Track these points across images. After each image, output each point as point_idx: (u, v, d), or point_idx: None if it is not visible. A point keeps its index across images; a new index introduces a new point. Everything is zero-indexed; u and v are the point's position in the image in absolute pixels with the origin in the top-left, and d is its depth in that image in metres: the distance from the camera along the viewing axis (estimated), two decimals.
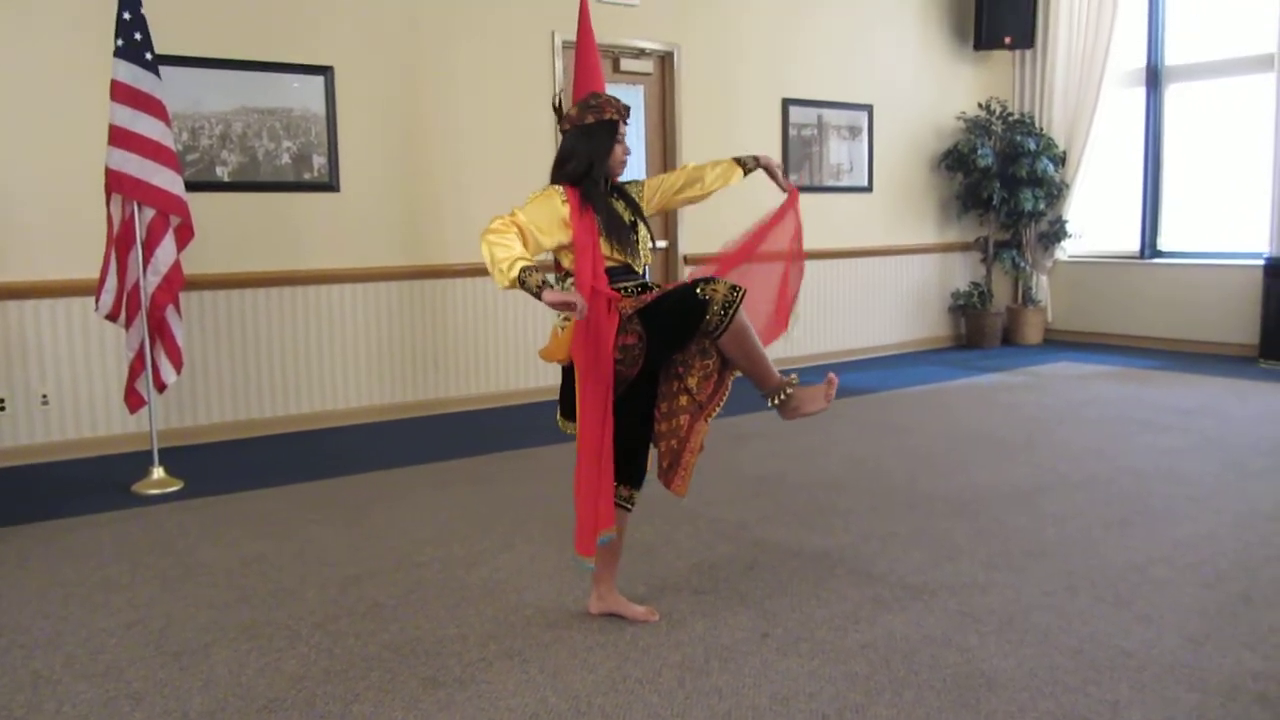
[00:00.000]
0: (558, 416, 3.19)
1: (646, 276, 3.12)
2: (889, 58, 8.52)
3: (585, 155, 2.99)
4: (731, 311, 2.84)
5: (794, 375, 3.09)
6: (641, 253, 3.07)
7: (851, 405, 6.43)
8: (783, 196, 3.35)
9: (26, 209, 5.17)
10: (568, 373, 3.05)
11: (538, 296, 2.65)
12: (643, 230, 3.10)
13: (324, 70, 5.95)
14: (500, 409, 6.58)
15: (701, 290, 2.84)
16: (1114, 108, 8.72)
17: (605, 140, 3.02)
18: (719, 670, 2.73)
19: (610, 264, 2.97)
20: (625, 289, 2.98)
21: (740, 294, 2.86)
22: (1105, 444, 5.26)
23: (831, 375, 3.08)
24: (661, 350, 2.95)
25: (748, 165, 3.36)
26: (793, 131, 7.96)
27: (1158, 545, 3.66)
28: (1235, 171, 8.27)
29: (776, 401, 3.07)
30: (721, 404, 3.11)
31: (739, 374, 3.10)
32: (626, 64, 7.12)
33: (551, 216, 2.90)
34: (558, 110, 3.12)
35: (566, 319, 2.97)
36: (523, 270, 2.66)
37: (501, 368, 6.71)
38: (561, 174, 3.01)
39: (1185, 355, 8.16)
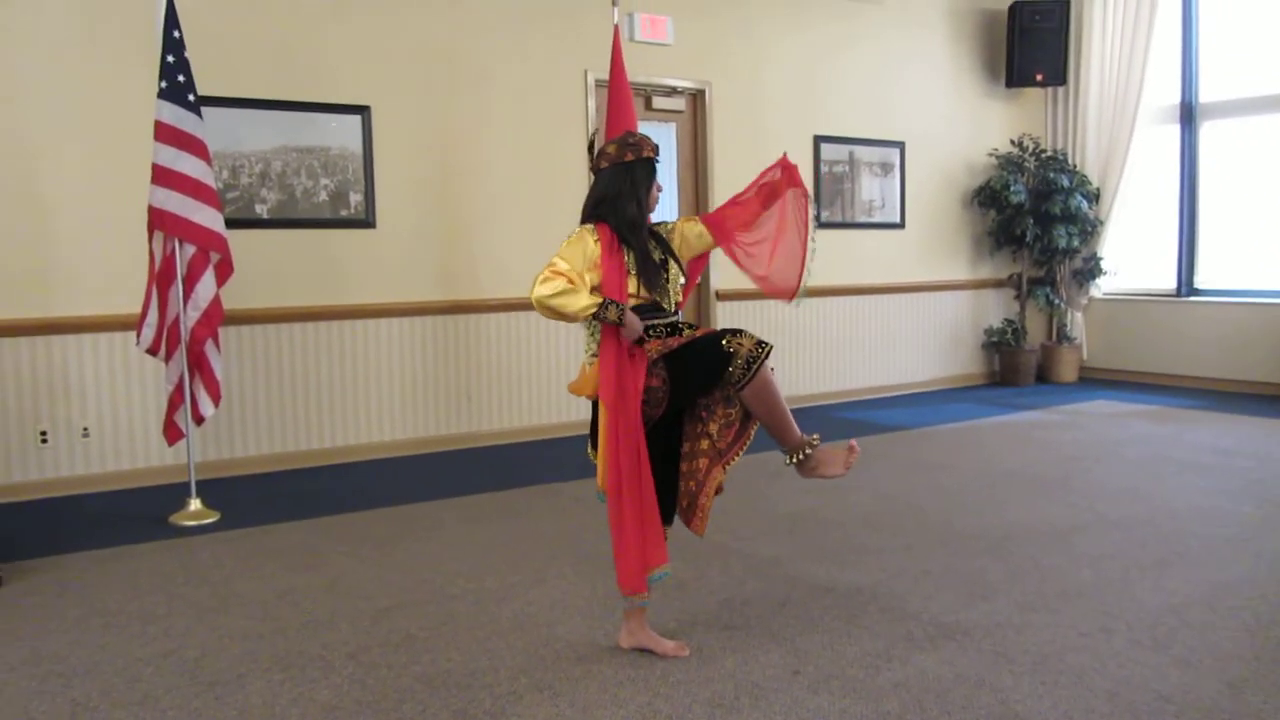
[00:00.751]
0: (588, 449, 3.22)
1: (679, 315, 3.14)
2: (920, 95, 8.56)
3: (625, 192, 3.03)
4: (755, 367, 2.85)
5: (815, 436, 3.09)
6: (671, 291, 3.09)
7: (884, 442, 6.40)
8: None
9: (72, 247, 5.29)
10: (598, 406, 3.08)
11: (620, 323, 2.85)
12: (673, 268, 3.13)
13: (361, 109, 6.06)
14: (532, 443, 6.61)
15: (727, 342, 2.86)
16: (1148, 144, 8.68)
17: (645, 177, 3.06)
18: (749, 707, 2.72)
19: (639, 302, 3.00)
20: (655, 328, 3.01)
21: (766, 350, 2.87)
22: (1142, 483, 5.20)
23: (853, 443, 3.07)
24: (683, 395, 2.97)
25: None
26: (824, 168, 8.00)
27: (1196, 587, 3.61)
28: (1272, 208, 8.19)
29: (796, 460, 3.06)
30: (741, 453, 3.10)
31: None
32: (659, 102, 7.19)
33: (584, 258, 2.95)
34: (592, 149, 3.16)
35: (595, 355, 3.01)
36: (595, 315, 2.84)
37: (533, 402, 6.75)
38: (596, 212, 3.05)
39: (1223, 394, 8.05)
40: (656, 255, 3.09)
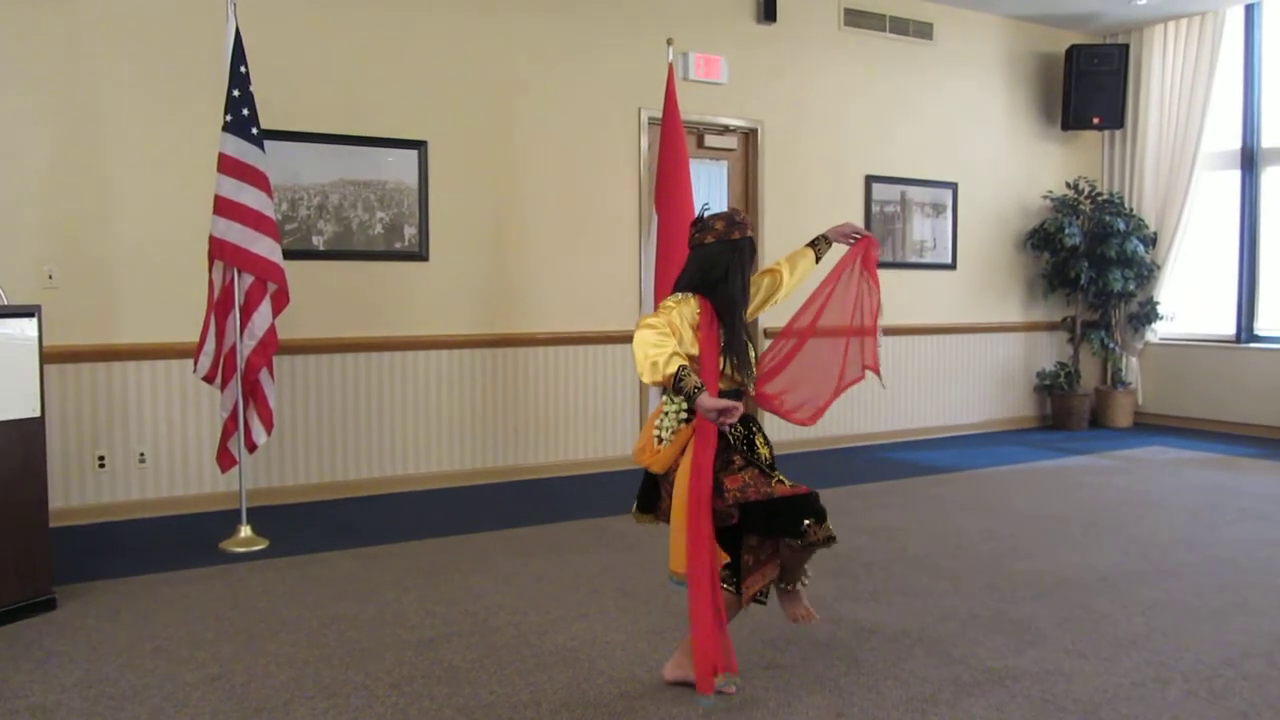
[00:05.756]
0: (634, 510, 3.16)
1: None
2: (974, 137, 8.53)
3: (731, 270, 2.97)
4: (816, 549, 2.89)
5: (809, 577, 3.13)
6: (751, 374, 3.06)
7: (934, 484, 6.32)
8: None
9: (135, 275, 5.42)
10: (652, 474, 3.04)
11: (691, 398, 2.68)
12: (752, 352, 3.07)
13: (418, 144, 6.16)
14: (577, 477, 6.62)
15: (808, 525, 2.83)
16: (1208, 189, 8.57)
17: (747, 256, 3.02)
18: None
19: (726, 385, 2.95)
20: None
21: (831, 543, 2.88)
22: (1199, 531, 5.09)
23: (813, 612, 3.15)
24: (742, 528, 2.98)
25: (819, 249, 3.38)
26: (875, 208, 7.98)
27: (1255, 639, 3.52)
28: None
29: (786, 587, 3.08)
30: (756, 592, 3.05)
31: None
32: (711, 140, 7.23)
33: (689, 317, 2.89)
34: (700, 220, 3.07)
35: (674, 432, 2.91)
36: (681, 368, 2.67)
37: (580, 436, 6.76)
38: (703, 282, 2.96)
39: None
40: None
